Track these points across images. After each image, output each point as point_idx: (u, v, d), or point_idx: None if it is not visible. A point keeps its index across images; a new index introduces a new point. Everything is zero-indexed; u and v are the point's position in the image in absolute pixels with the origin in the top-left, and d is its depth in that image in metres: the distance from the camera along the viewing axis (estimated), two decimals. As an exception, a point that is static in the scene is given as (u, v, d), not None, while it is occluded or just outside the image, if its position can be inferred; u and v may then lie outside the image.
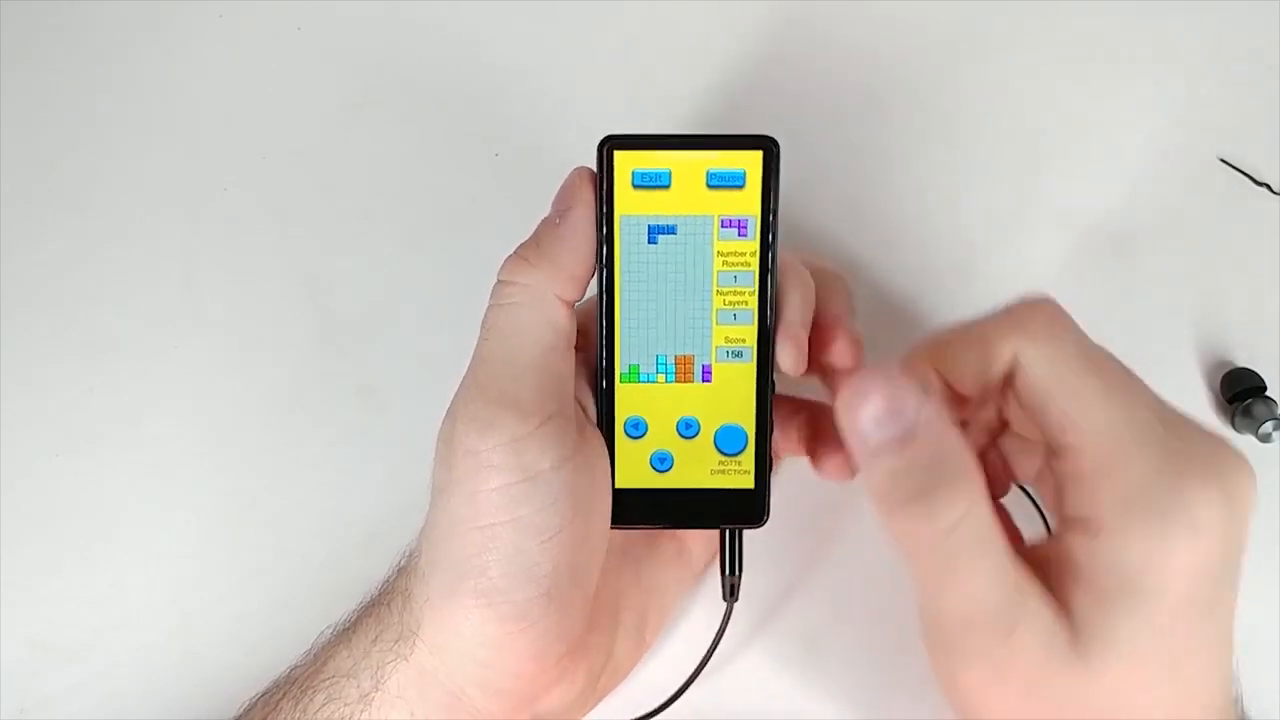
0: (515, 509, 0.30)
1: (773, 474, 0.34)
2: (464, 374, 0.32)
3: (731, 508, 0.33)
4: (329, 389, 0.45)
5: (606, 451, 0.33)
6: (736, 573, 0.35)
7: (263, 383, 0.46)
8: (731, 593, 0.35)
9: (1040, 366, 0.29)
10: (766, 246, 0.31)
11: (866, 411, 0.29)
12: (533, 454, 0.30)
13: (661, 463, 0.33)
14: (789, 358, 0.31)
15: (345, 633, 0.34)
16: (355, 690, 0.32)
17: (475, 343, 0.32)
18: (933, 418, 0.29)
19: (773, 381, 0.32)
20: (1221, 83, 0.52)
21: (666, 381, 0.32)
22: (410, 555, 0.34)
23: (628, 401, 0.33)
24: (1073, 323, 0.31)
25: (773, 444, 0.33)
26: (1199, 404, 0.44)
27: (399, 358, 0.46)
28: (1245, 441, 0.43)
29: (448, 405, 0.32)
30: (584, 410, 0.33)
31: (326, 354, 0.46)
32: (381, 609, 0.33)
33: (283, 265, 0.49)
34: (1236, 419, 0.43)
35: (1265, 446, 0.42)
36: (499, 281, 0.32)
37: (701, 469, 0.33)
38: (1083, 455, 0.28)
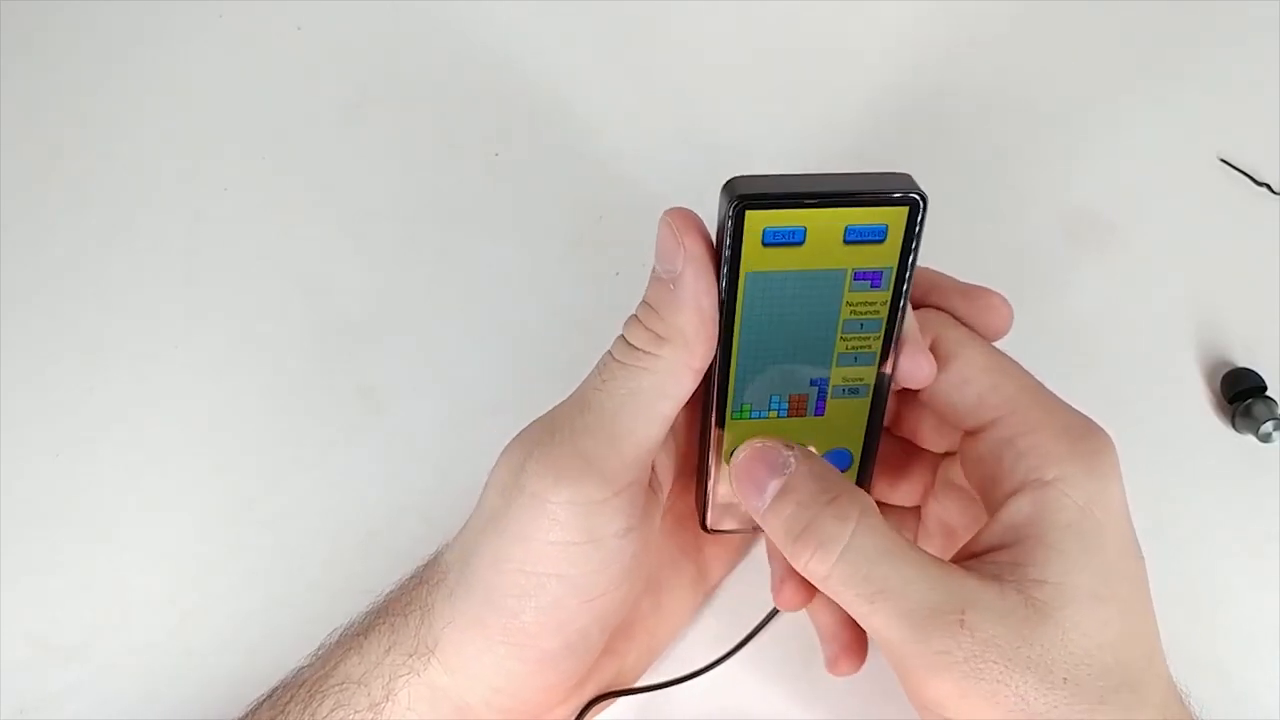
0: (567, 566, 0.29)
1: None
2: (559, 406, 0.31)
3: None
4: (329, 389, 0.45)
5: (662, 510, 0.33)
6: None
7: (262, 383, 0.46)
8: None
9: (962, 343, 0.31)
10: (899, 296, 0.29)
11: (751, 479, 0.30)
12: (602, 520, 0.29)
13: None
14: (925, 369, 0.31)
15: (357, 638, 0.33)
16: (365, 699, 0.31)
17: (583, 381, 0.31)
18: (802, 456, 0.30)
19: (885, 404, 0.32)
20: (1221, 83, 0.52)
21: (779, 418, 0.31)
22: (434, 565, 0.33)
23: (737, 435, 0.32)
24: None
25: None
26: (1199, 404, 0.44)
27: (399, 358, 0.46)
28: (1245, 441, 0.43)
29: (526, 426, 0.31)
30: (655, 472, 0.32)
31: (326, 354, 0.46)
32: (397, 619, 0.32)
33: (283, 265, 0.49)
34: (1236, 419, 0.43)
35: (1265, 446, 0.42)
36: (626, 342, 0.30)
37: None
38: (1007, 421, 0.30)
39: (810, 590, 0.35)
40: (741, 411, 0.31)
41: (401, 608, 0.33)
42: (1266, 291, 0.46)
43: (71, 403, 0.45)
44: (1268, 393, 0.43)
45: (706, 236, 0.29)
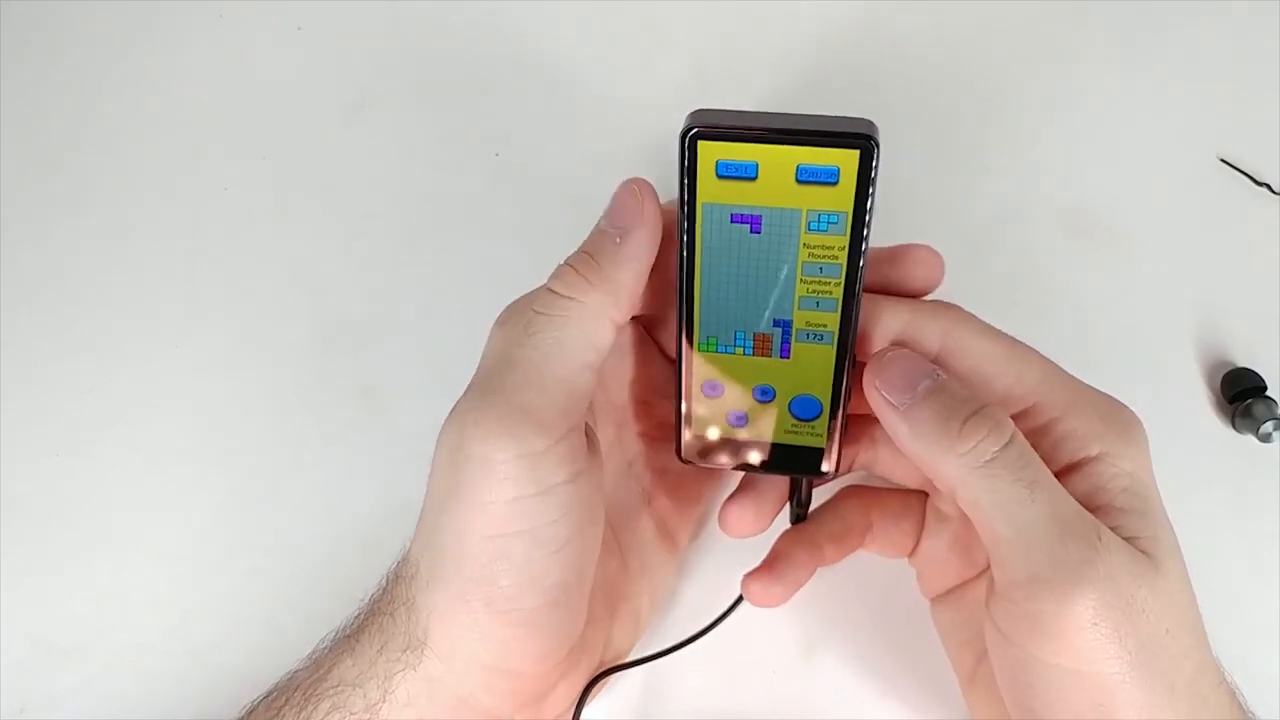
0: (528, 521, 0.30)
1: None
2: (478, 375, 0.31)
3: (800, 461, 0.34)
4: (329, 389, 0.45)
5: (602, 458, 0.34)
6: (805, 503, 0.37)
7: (262, 383, 0.46)
8: (799, 519, 0.37)
9: (978, 339, 0.31)
10: (857, 242, 0.29)
11: (903, 374, 0.30)
12: (549, 468, 0.30)
13: (738, 420, 0.34)
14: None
15: (348, 640, 0.33)
16: (362, 700, 0.31)
17: (500, 341, 0.31)
18: (946, 374, 0.30)
19: (853, 357, 0.32)
20: (1221, 83, 0.52)
21: (745, 355, 0.32)
22: (404, 562, 0.33)
23: (705, 367, 0.33)
24: None
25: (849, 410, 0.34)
26: (1199, 404, 0.44)
27: (399, 358, 0.46)
28: (1245, 441, 0.43)
29: (453, 406, 0.31)
30: (590, 429, 0.33)
31: (326, 354, 0.46)
32: (384, 618, 0.33)
33: (283, 265, 0.49)
34: (1236, 419, 0.43)
35: (1265, 446, 0.42)
36: (550, 291, 0.31)
37: (776, 428, 0.34)
38: (1038, 409, 0.31)
39: (764, 517, 0.36)
40: (708, 344, 0.32)
41: (387, 606, 0.33)
42: (1266, 291, 0.46)
43: (71, 403, 0.45)
44: (1268, 393, 0.43)
45: (663, 210, 0.30)
